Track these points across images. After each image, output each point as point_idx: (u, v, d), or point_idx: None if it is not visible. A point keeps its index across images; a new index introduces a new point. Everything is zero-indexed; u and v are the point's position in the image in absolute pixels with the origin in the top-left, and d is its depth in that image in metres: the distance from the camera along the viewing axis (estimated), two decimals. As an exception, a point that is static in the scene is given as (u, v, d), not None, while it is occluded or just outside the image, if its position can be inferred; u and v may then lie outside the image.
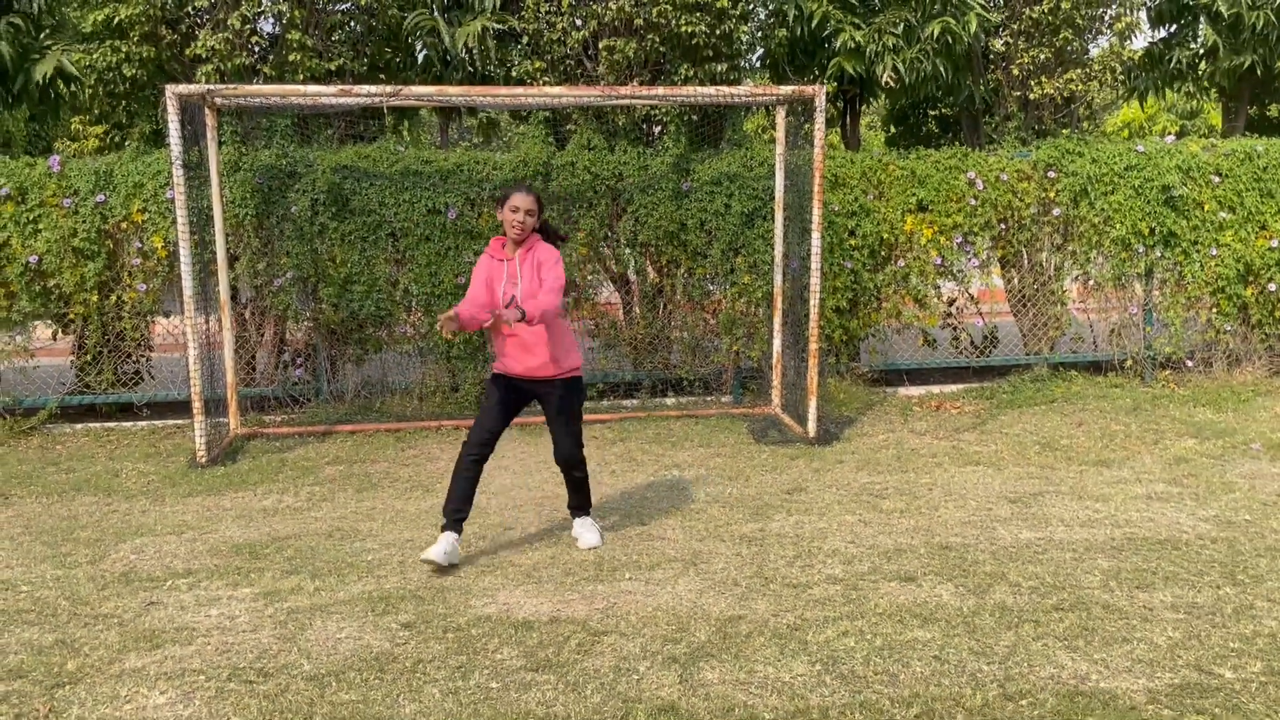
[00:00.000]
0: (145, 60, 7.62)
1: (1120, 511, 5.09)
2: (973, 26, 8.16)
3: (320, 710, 3.13)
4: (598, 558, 4.49)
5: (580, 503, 4.75)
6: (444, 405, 7.66)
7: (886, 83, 8.36)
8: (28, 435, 7.24)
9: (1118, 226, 8.24)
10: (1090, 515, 5.03)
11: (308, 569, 4.40)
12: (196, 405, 6.37)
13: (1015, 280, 8.59)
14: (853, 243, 7.97)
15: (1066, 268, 8.50)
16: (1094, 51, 9.17)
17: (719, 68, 7.93)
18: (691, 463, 6.24)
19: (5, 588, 4.23)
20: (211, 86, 6.27)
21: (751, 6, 8.66)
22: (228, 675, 3.35)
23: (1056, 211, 8.23)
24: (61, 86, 8.28)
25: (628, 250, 7.90)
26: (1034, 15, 8.47)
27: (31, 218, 7.18)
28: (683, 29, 7.59)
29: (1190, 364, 8.65)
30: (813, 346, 6.73)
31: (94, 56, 7.67)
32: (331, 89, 6.29)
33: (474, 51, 7.98)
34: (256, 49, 7.87)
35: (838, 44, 8.34)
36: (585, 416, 7.47)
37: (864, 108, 10.34)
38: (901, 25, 8.29)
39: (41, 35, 8.06)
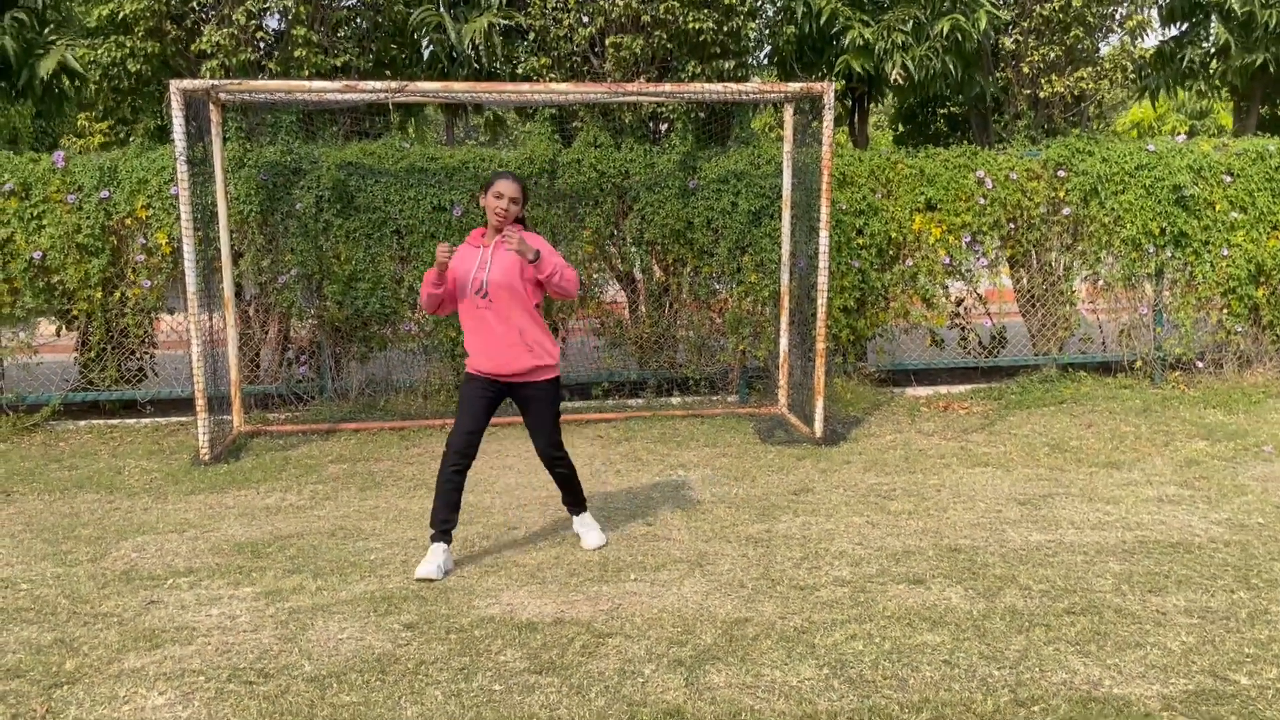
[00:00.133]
0: (150, 55, 7.60)
1: (1131, 514, 5.03)
2: (982, 24, 8.09)
3: (321, 712, 3.08)
4: (602, 558, 4.44)
5: (574, 499, 4.65)
6: (448, 404, 7.62)
7: (895, 80, 8.30)
8: (31, 432, 7.21)
9: (1128, 226, 8.16)
10: (1101, 518, 4.97)
11: (310, 568, 4.35)
12: (200, 402, 6.34)
13: (1024, 280, 8.52)
14: (860, 241, 7.92)
15: (1076, 268, 8.43)
16: (1104, 50, 9.11)
17: (726, 65, 7.89)
18: (697, 462, 6.19)
19: (5, 585, 4.19)
20: (216, 82, 6.23)
21: (759, 3, 8.61)
22: (227, 676, 3.31)
23: (1066, 211, 8.16)
24: (66, 82, 8.26)
25: (634, 248, 7.85)
26: (1044, 13, 8.41)
27: (35, 213, 7.16)
28: (690, 25, 7.55)
29: (1201, 365, 8.57)
30: (820, 346, 6.67)
31: (98, 52, 7.65)
32: (336, 85, 6.25)
33: (480, 48, 7.94)
34: (262, 45, 7.84)
35: (846, 41, 8.28)
36: (591, 416, 7.46)
37: (872, 106, 10.27)
38: (910, 22, 8.23)
39: (46, 30, 8.05)
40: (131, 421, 7.53)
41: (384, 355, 7.85)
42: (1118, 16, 8.90)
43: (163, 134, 7.88)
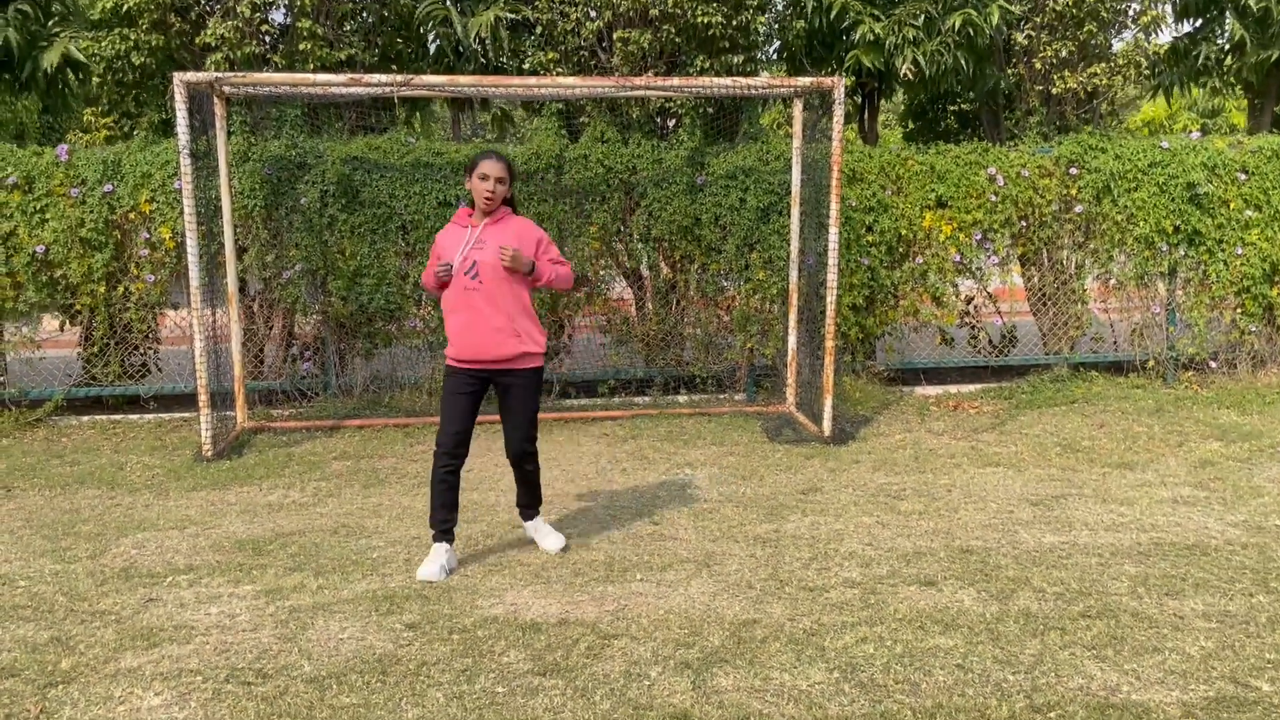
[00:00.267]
0: (154, 48, 7.53)
1: (1146, 515, 4.94)
2: (994, 19, 7.99)
3: (319, 714, 3.02)
4: (608, 557, 4.37)
5: (531, 500, 4.48)
6: (453, 400, 7.54)
7: (906, 76, 8.21)
8: (33, 427, 7.17)
9: (1141, 224, 8.06)
10: (1115, 519, 4.88)
11: (311, 566, 4.29)
12: (202, 398, 6.29)
13: (1035, 278, 8.43)
14: (870, 239, 7.83)
15: (1088, 266, 8.33)
16: (1117, 46, 9.00)
17: (735, 60, 7.80)
18: (704, 461, 6.12)
19: (2, 582, 4.13)
20: (220, 74, 6.17)
21: (769, -3, 8.53)
22: (225, 676, 3.25)
23: (1078, 208, 8.06)
24: (70, 75, 8.21)
25: (641, 245, 7.77)
26: (1058, 8, 8.30)
27: (38, 207, 7.10)
28: (699, 19, 7.46)
29: (1214, 365, 8.47)
30: (829, 344, 6.59)
31: (102, 44, 7.59)
32: (341, 77, 6.18)
33: (486, 42, 7.87)
34: (267, 38, 7.78)
35: (856, 36, 8.19)
36: (596, 413, 7.39)
37: (882, 103, 10.17)
38: (922, 17, 8.13)
39: (49, 22, 7.99)
40: (135, 417, 7.48)
41: (388, 351, 7.79)
42: (1131, 12, 8.78)
43: (167, 128, 7.83)
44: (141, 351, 7.66)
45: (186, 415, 7.43)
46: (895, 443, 6.54)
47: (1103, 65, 8.53)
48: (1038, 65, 8.56)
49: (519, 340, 4.11)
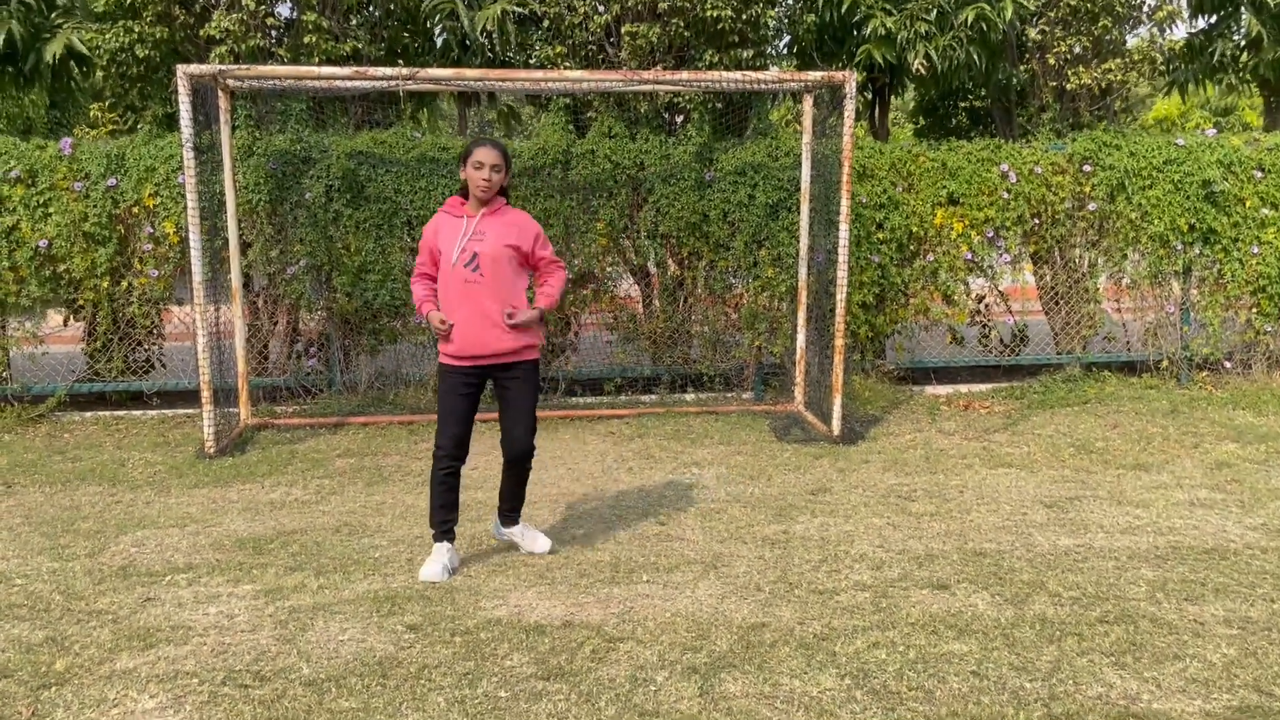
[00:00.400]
0: (158, 41, 7.47)
1: (1162, 518, 4.84)
2: (1008, 13, 7.88)
3: (317, 718, 2.94)
4: (613, 558, 4.29)
5: (518, 503, 4.31)
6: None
7: (918, 71, 8.10)
8: (36, 423, 7.12)
9: (1155, 222, 7.95)
10: (1131, 522, 4.79)
11: (312, 565, 4.22)
12: (205, 395, 6.23)
13: (1047, 277, 8.32)
14: (880, 236, 7.74)
15: (1101, 265, 8.22)
16: (1131, 42, 8.88)
17: (745, 54, 7.71)
18: (711, 460, 6.03)
19: (-1, 580, 4.08)
20: (223, 67, 6.10)
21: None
22: (222, 679, 3.17)
23: (1092, 206, 7.95)
24: (74, 68, 8.15)
25: (648, 241, 7.69)
26: (1072, 2, 8.19)
27: (41, 201, 7.05)
28: (708, 13, 7.37)
29: (1229, 365, 8.36)
30: (838, 342, 6.50)
31: (106, 37, 7.53)
32: (346, 70, 6.11)
33: (493, 35, 7.79)
34: (272, 32, 7.71)
35: (868, 30, 8.09)
36: (602, 411, 7.31)
37: (893, 99, 10.06)
38: (934, 11, 8.03)
39: (53, 15, 7.93)
40: (138, 413, 7.42)
41: (394, 348, 7.72)
42: (1146, 7, 8.66)
43: (171, 122, 7.76)
44: (145, 347, 7.61)
45: (190, 411, 7.37)
46: (905, 443, 6.45)
47: (1117, 61, 8.42)
48: (1051, 61, 8.45)
49: (521, 333, 4.01)
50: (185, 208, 6.61)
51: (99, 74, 7.99)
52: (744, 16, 7.50)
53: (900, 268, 7.83)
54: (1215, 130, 8.34)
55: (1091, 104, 8.70)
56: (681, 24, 7.51)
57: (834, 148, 6.60)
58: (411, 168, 7.33)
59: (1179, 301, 8.28)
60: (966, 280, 8.01)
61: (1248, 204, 8.06)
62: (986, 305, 8.35)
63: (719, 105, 7.78)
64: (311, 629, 3.56)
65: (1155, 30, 8.68)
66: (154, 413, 7.42)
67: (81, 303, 7.31)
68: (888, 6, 8.19)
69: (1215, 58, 9.60)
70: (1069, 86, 8.47)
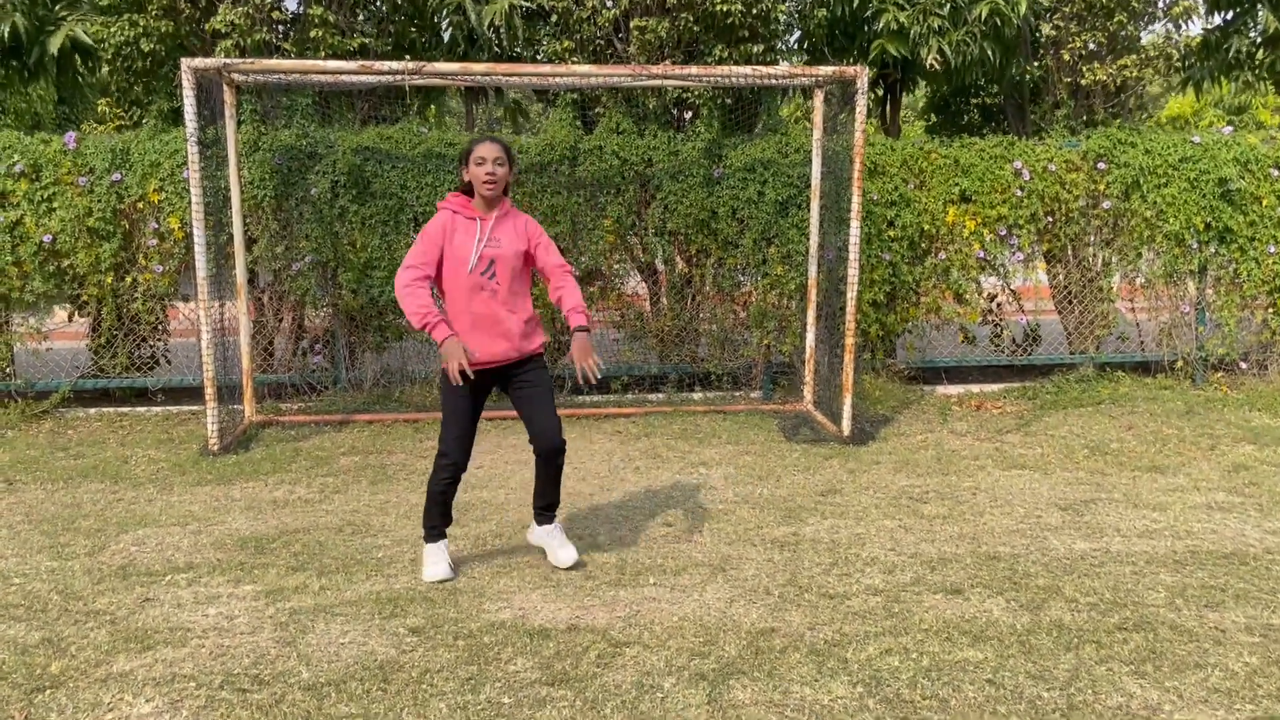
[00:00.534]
0: (163, 35, 7.41)
1: (1180, 522, 4.75)
2: (1023, 8, 7.77)
3: (317, 724, 2.88)
4: (620, 560, 4.21)
5: (554, 499, 4.11)
6: (464, 396, 7.41)
7: (931, 66, 7.99)
8: (39, 419, 7.07)
9: (1171, 221, 7.84)
10: (1148, 525, 4.69)
11: (314, 566, 4.16)
12: (209, 391, 6.17)
13: (1061, 276, 8.22)
14: (891, 234, 7.64)
15: (1115, 263, 8.11)
16: (1146, 38, 8.76)
17: (755, 49, 7.61)
18: (719, 460, 5.95)
19: (-3, 579, 4.02)
20: (228, 61, 6.03)
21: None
22: (220, 683, 3.11)
23: (1106, 204, 7.85)
24: (79, 62, 8.10)
25: (656, 239, 7.60)
26: (1087, -3, 8.09)
27: (46, 196, 7.00)
28: (717, 7, 7.28)
29: (1244, 366, 8.24)
30: (848, 341, 6.41)
31: (111, 31, 7.47)
32: (352, 65, 6.04)
33: (501, 30, 7.71)
34: (279, 26, 7.65)
35: (880, 25, 7.98)
36: (610, 410, 7.24)
37: (905, 95, 9.96)
38: (948, 6, 7.92)
39: (57, 7, 7.88)
40: (142, 410, 7.37)
41: (399, 345, 7.66)
42: (1162, 3, 8.54)
43: (176, 116, 7.70)
44: (150, 343, 7.56)
45: (194, 408, 7.32)
46: (917, 443, 6.36)
47: (1132, 57, 8.30)
48: (1066, 57, 8.34)
49: (528, 342, 3.91)
50: (190, 203, 6.55)
51: (104, 68, 7.93)
52: (754, 11, 7.41)
53: (911, 266, 7.74)
54: (1230, 128, 8.20)
55: (1106, 101, 8.59)
56: (691, 18, 7.43)
57: (845, 144, 6.51)
58: (418, 163, 7.26)
59: (1194, 301, 8.17)
60: (978, 279, 7.91)
61: (1264, 202, 7.95)
62: (999, 304, 8.25)
63: (728, 101, 7.69)
64: (312, 631, 3.50)
65: (1171, 26, 8.56)
66: (158, 409, 7.37)
67: (86, 298, 7.26)
68: (900, 1, 8.09)
69: (1231, 54, 9.47)
70: (1083, 83, 8.36)
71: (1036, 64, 8.66)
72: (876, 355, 7.88)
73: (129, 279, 7.20)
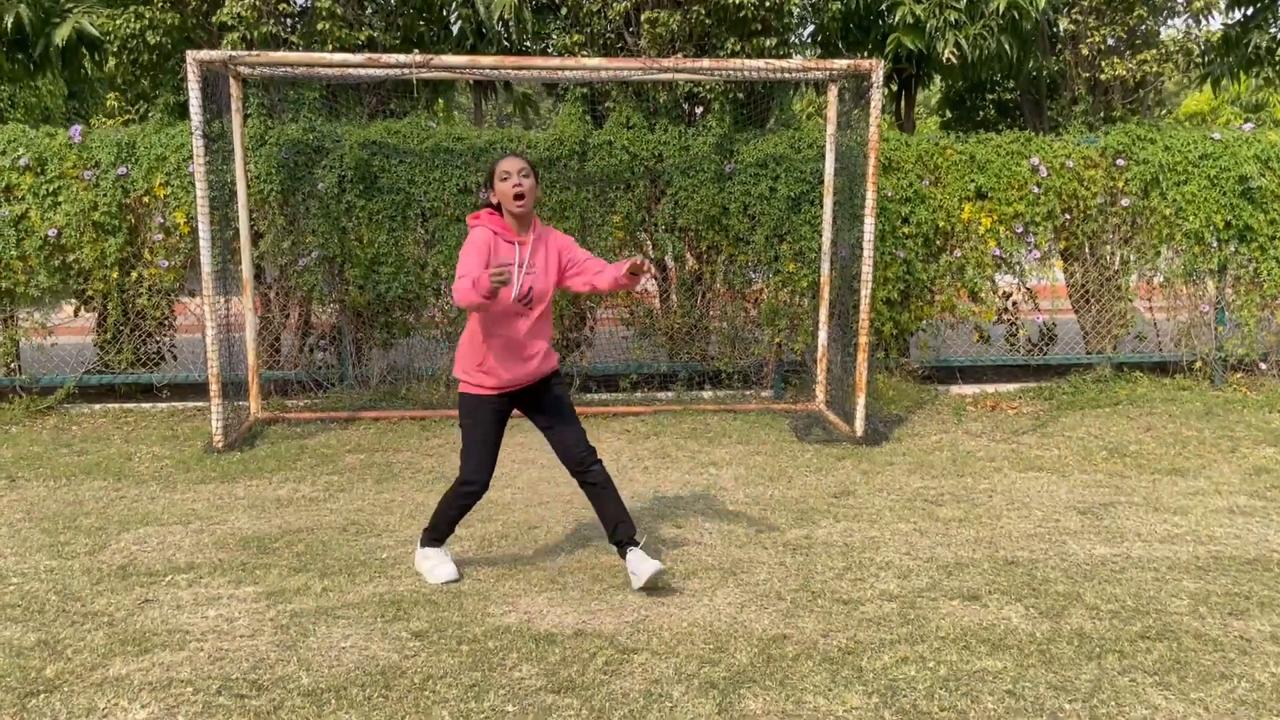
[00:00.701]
0: (170, 27, 7.35)
1: (1201, 526, 4.63)
2: (1041, 2, 7.64)
3: (315, 732, 2.80)
4: (629, 563, 4.12)
5: (620, 518, 3.86)
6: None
7: (948, 60, 7.87)
8: (44, 415, 7.02)
9: (1190, 219, 7.71)
10: (1169, 530, 4.58)
11: (317, 566, 4.08)
12: (214, 388, 6.10)
13: (1078, 274, 8.09)
14: (906, 231, 7.52)
15: (1133, 262, 7.98)
16: (1165, 34, 8.62)
17: (768, 42, 7.51)
18: (730, 460, 5.86)
19: (-5, 578, 3.95)
20: (234, 53, 5.97)
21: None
22: (217, 688, 3.03)
23: (1125, 202, 7.71)
24: (85, 54, 8.04)
25: (666, 235, 7.51)
26: (1106, -9, 7.96)
27: (51, 190, 6.94)
28: (730, 0, 7.18)
29: (1264, 367, 8.10)
30: (862, 340, 6.31)
31: (117, 23, 7.41)
32: (358, 57, 5.97)
33: (510, 23, 7.62)
34: (286, 19, 7.57)
35: (895, 19, 7.86)
36: (618, 409, 7.15)
37: (920, 91, 9.83)
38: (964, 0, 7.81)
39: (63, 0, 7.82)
40: (147, 406, 7.32)
41: (406, 342, 7.58)
42: (1182, -2, 8.42)
43: (183, 110, 7.63)
44: (156, 339, 7.50)
45: (200, 405, 7.26)
46: (931, 444, 6.25)
47: (1152, 53, 8.16)
48: (1084, 51, 8.21)
49: (550, 357, 3.89)
50: (195, 197, 6.49)
51: (111, 61, 7.87)
52: (767, 4, 7.30)
53: (926, 263, 7.62)
54: (1251, 125, 8.06)
55: (1125, 96, 8.45)
56: (702, 11, 7.32)
57: (859, 139, 6.40)
58: (426, 158, 7.18)
59: (1214, 300, 8.03)
60: (994, 277, 7.79)
61: (1286, 200, 7.80)
62: (1014, 303, 8.12)
63: (740, 95, 7.58)
64: (313, 635, 3.42)
65: (1191, 21, 8.42)
66: (164, 405, 7.31)
67: (91, 293, 7.21)
68: (915, -6, 7.98)
69: (1250, 50, 9.32)
70: (1102, 78, 8.22)
71: (1054, 59, 8.52)
72: (890, 354, 7.76)
73: (134, 274, 7.14)
